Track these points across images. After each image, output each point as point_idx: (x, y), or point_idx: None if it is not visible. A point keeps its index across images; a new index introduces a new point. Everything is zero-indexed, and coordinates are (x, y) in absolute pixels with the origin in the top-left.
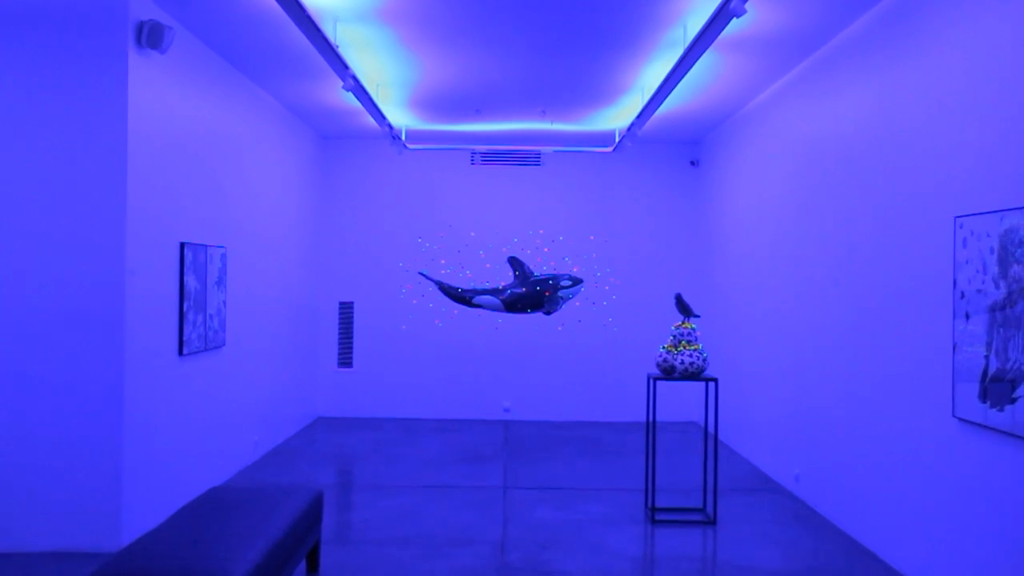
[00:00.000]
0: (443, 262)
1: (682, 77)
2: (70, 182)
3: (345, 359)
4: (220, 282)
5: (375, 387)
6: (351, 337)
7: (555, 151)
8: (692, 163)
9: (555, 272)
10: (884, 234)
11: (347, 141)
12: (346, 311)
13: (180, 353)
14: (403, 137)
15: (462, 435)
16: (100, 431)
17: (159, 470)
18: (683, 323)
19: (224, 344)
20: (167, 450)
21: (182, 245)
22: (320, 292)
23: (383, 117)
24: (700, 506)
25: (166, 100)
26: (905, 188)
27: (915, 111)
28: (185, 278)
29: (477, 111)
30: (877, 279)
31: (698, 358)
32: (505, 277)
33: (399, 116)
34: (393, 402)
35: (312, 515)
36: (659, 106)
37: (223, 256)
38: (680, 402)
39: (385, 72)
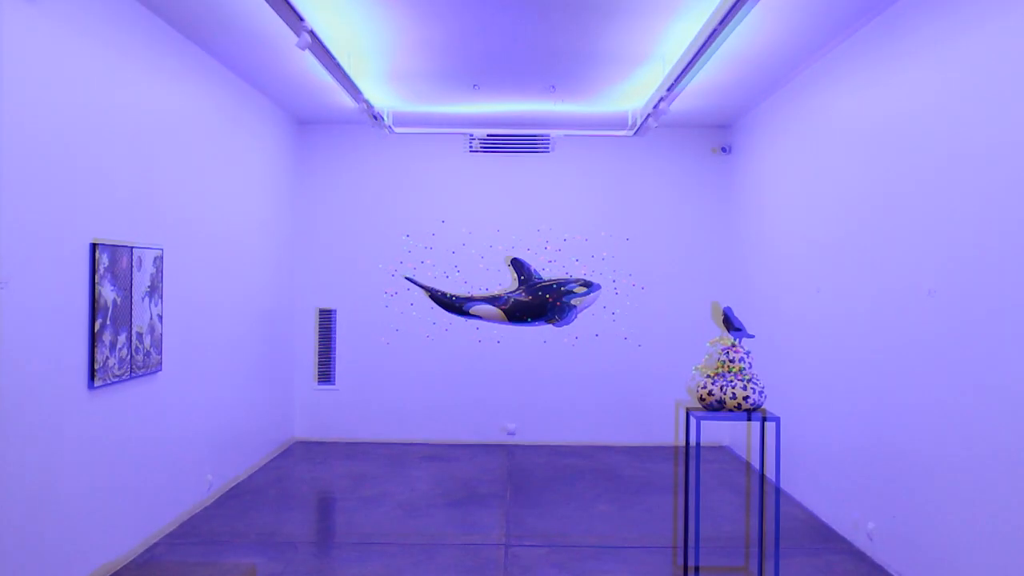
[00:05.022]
0: (431, 263)
1: (729, 33)
2: None
3: (325, 375)
4: (154, 291)
5: (359, 406)
6: (332, 349)
7: (566, 135)
8: (722, 150)
9: (565, 276)
10: (1008, 228)
11: (326, 126)
12: (326, 320)
13: (91, 384)
14: (388, 121)
15: (458, 464)
16: None
17: (57, 539)
18: (720, 338)
19: (160, 368)
20: (71, 510)
21: (93, 246)
22: (296, 298)
23: (357, 89)
24: (747, 566)
25: (62, 56)
26: None
27: None
28: (99, 287)
29: (474, 87)
30: (994, 285)
31: (753, 391)
32: (505, 282)
33: (381, 95)
34: (379, 423)
35: None
36: (695, 74)
37: (159, 260)
38: (707, 423)
39: (358, 36)
